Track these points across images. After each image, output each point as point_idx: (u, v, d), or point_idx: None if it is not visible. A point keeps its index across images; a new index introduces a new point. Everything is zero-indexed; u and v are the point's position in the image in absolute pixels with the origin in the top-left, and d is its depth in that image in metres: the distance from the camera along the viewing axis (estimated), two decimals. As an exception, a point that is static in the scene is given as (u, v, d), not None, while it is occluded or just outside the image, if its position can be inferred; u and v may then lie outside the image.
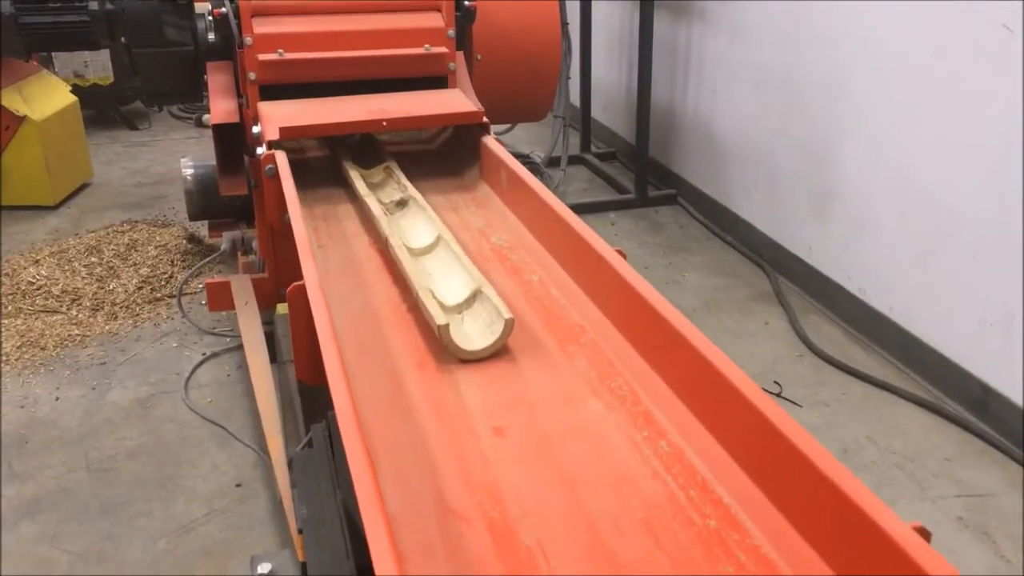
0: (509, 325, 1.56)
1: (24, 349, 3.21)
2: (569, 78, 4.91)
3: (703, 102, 4.36)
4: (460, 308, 1.68)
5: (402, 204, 2.18)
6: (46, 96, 4.54)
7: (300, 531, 1.95)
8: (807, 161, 3.57)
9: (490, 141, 2.34)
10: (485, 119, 2.38)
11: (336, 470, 2.04)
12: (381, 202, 2.15)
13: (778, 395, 2.96)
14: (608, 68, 5.36)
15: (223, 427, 2.78)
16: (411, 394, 1.46)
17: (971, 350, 2.84)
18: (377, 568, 0.89)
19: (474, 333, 1.61)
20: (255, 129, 2.49)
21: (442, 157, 2.61)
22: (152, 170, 5.20)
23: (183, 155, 5.42)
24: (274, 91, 2.62)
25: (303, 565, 1.97)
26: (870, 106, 3.18)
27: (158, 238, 3.94)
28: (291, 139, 2.27)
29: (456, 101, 2.53)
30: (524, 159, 4.96)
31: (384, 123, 2.30)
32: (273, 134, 2.22)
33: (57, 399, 2.94)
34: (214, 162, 3.71)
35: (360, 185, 2.22)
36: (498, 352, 1.57)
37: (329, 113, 2.41)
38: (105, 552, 2.28)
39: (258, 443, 2.69)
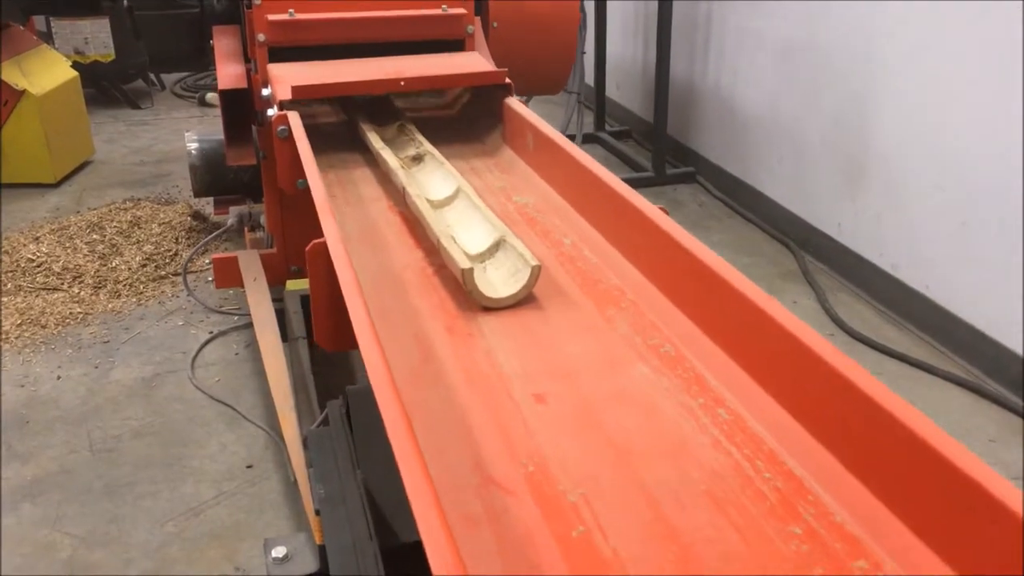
0: (535, 272, 1.47)
1: (24, 327, 3.09)
2: (584, 53, 4.77)
3: (724, 77, 4.22)
4: (483, 257, 1.59)
5: (418, 159, 2.06)
6: (46, 70, 4.41)
7: (318, 512, 1.84)
8: (837, 135, 3.44)
9: (514, 103, 2.21)
10: (508, 80, 2.25)
11: (355, 447, 1.93)
12: (397, 157, 2.03)
13: (809, 374, 2.83)
14: (623, 44, 5.23)
15: (231, 407, 2.66)
16: (442, 360, 1.34)
17: (1012, 327, 2.71)
18: (427, 542, 0.78)
19: (498, 281, 1.51)
20: (265, 92, 2.37)
21: (461, 122, 2.49)
22: (155, 148, 5.07)
23: (185, 131, 5.32)
24: (284, 54, 2.50)
25: (320, 548, 1.86)
26: (905, 76, 3.04)
27: (162, 215, 3.82)
28: (304, 99, 2.14)
29: (476, 63, 2.40)
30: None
31: (402, 83, 2.18)
32: (285, 94, 2.10)
33: (59, 378, 2.82)
34: (220, 136, 3.60)
35: (374, 139, 2.10)
36: (534, 317, 1.45)
37: (343, 74, 2.28)
38: (110, 535, 2.16)
39: (268, 423, 2.58)
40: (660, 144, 4.44)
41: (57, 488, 2.33)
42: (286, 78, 2.23)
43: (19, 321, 3.11)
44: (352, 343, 1.46)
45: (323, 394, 2.43)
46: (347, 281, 1.30)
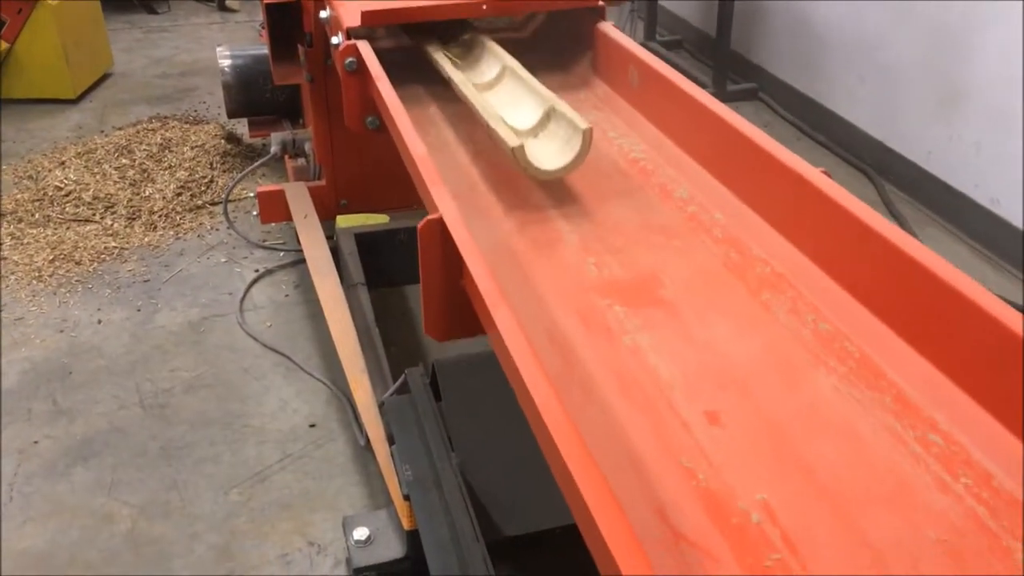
0: (588, 136, 1.44)
1: (58, 264, 2.89)
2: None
3: (796, -17, 3.87)
4: (535, 131, 1.57)
5: (499, 79, 1.83)
6: (60, -24, 4.08)
7: (407, 497, 1.68)
8: (932, 52, 3.13)
9: (609, 29, 1.94)
10: (602, 1, 1.97)
11: (446, 426, 1.75)
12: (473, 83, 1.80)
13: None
14: (677, -56, 4.83)
15: (288, 356, 2.49)
16: (586, 363, 1.13)
17: None
18: None
19: (552, 153, 1.50)
20: (323, 14, 2.09)
21: (537, 47, 2.21)
22: (177, 59, 4.77)
23: (206, 41, 5.00)
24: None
25: (409, 534, 1.70)
26: (1022, -14, 2.72)
27: (193, 137, 3.57)
28: (373, 24, 1.87)
29: (564, -18, 2.11)
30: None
31: (484, 7, 1.90)
32: (353, 20, 1.83)
33: (99, 322, 2.64)
34: (254, 51, 3.32)
35: (446, 64, 1.85)
36: (677, 303, 1.23)
37: (413, -6, 2.00)
38: (171, 504, 2.02)
39: (328, 376, 2.40)
40: (722, 58, 4.11)
41: (109, 449, 2.18)
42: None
43: (51, 257, 2.91)
44: (469, 331, 1.26)
45: (388, 350, 2.25)
46: (479, 271, 1.09)
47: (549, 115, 1.58)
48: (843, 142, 3.65)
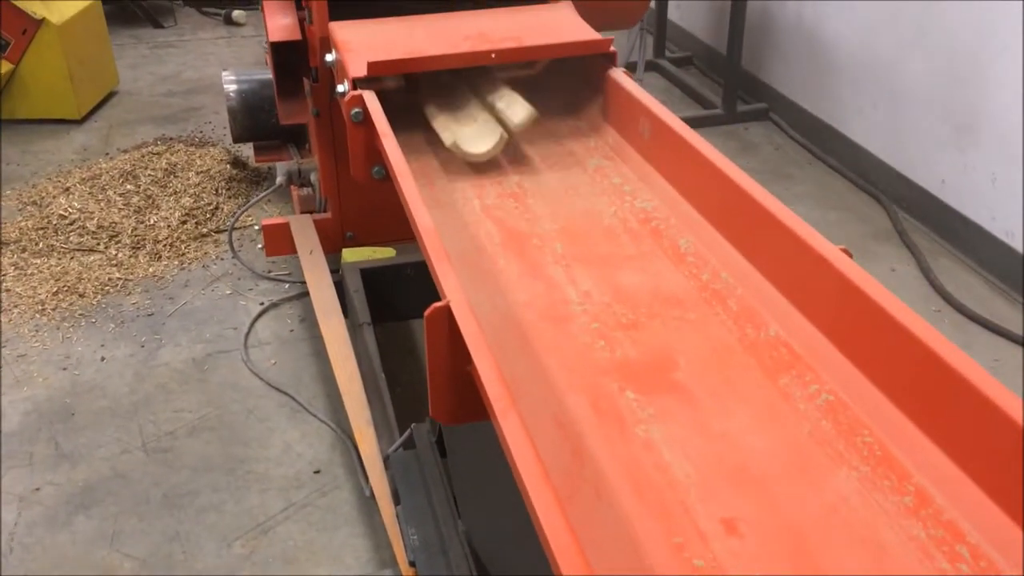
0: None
1: (61, 296, 2.87)
2: (647, -27, 4.34)
3: (808, 4, 3.81)
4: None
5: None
6: (65, -4, 4.05)
7: (412, 563, 1.64)
8: (947, 79, 3.08)
9: (620, 75, 1.90)
10: (612, 48, 1.93)
11: (451, 487, 1.72)
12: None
13: (920, 361, 2.58)
14: (687, -40, 4.78)
15: (292, 397, 2.45)
16: (597, 457, 1.10)
17: None
18: None
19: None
20: (329, 57, 2.06)
21: (546, 87, 2.16)
22: (183, 76, 4.73)
23: (212, 57, 4.96)
24: (342, 3, 2.18)
25: (416, 601, 1.67)
26: (1040, 17, 2.67)
27: (199, 161, 3.54)
28: (380, 75, 1.83)
29: (571, 25, 2.07)
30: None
31: (492, 55, 1.86)
32: (359, 70, 1.79)
33: (103, 359, 2.61)
34: (259, 76, 3.29)
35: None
36: (692, 388, 1.19)
37: (420, 40, 1.97)
38: (173, 557, 1.99)
39: (333, 417, 2.37)
40: (732, 78, 4.06)
41: (112, 497, 2.15)
42: (356, 46, 1.93)
43: (55, 289, 2.89)
44: (476, 416, 1.22)
45: (393, 391, 2.21)
46: (486, 369, 1.05)
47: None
48: (855, 166, 3.60)
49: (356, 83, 1.80)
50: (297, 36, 2.38)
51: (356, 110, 1.76)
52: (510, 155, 1.86)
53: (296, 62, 2.49)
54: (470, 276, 1.46)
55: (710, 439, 1.11)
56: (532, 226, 1.61)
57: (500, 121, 1.84)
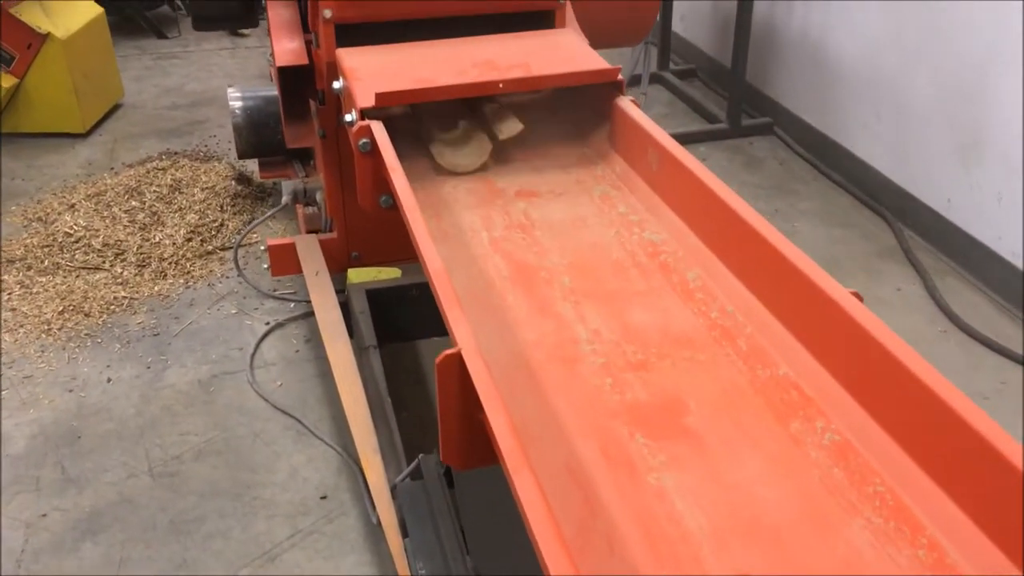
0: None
1: (67, 315, 2.87)
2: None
3: (813, 17, 3.81)
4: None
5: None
6: (70, 9, 4.05)
7: (420, 599, 1.64)
8: (952, 97, 3.07)
9: (627, 105, 1.90)
10: (620, 76, 1.93)
11: (459, 520, 1.72)
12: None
13: (926, 383, 2.58)
14: (691, -28, 4.78)
15: (298, 419, 2.45)
16: (608, 507, 1.09)
17: None
18: None
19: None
20: (336, 84, 2.06)
21: (556, 108, 2.16)
22: (187, 88, 4.74)
23: (217, 68, 4.96)
24: (350, 28, 2.18)
25: (423, 635, 1.66)
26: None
27: (203, 177, 3.54)
28: (387, 105, 1.83)
29: (578, 52, 2.07)
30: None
31: (500, 85, 1.86)
32: (367, 100, 1.79)
33: (109, 380, 2.61)
34: (264, 93, 3.29)
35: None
36: (703, 434, 1.19)
37: (427, 68, 1.97)
38: (180, 585, 1.99)
39: (339, 441, 2.37)
40: (737, 93, 4.06)
41: (118, 523, 2.15)
42: (364, 75, 1.93)
43: (61, 308, 2.89)
44: (487, 461, 1.22)
45: (399, 412, 2.21)
46: (497, 418, 1.05)
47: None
48: (860, 182, 3.59)
49: (364, 113, 1.79)
50: (304, 60, 2.38)
51: (364, 140, 1.76)
52: (517, 184, 1.87)
53: (302, 84, 2.49)
54: (479, 314, 1.46)
55: (722, 488, 1.11)
56: (540, 259, 1.61)
57: (489, 133, 1.91)
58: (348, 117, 1.88)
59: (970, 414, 1.03)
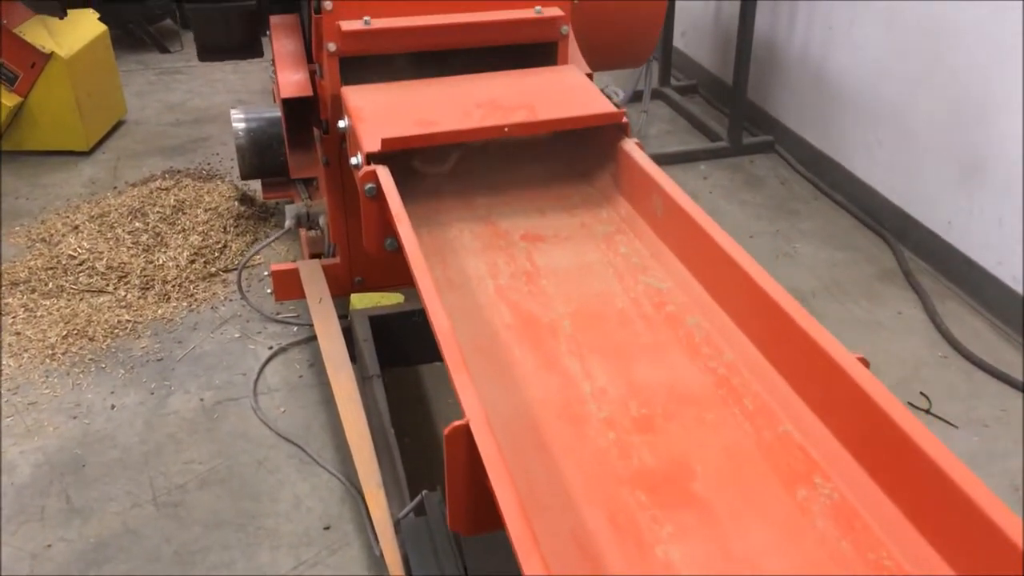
0: None
1: (71, 340, 2.88)
2: None
3: (815, 37, 3.82)
4: None
5: None
6: (73, 27, 4.05)
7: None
8: (953, 121, 3.08)
9: (632, 149, 1.90)
10: (625, 119, 1.94)
11: (463, 560, 1.73)
12: None
13: (927, 411, 2.60)
14: (693, -13, 4.78)
15: (301, 447, 2.47)
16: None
17: None
18: None
19: None
20: (341, 124, 2.07)
21: (558, 146, 2.17)
22: (190, 104, 4.74)
23: (219, 84, 4.97)
24: (354, 61, 2.19)
25: None
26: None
27: (207, 198, 3.55)
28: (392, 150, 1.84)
29: (583, 93, 2.08)
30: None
31: (506, 129, 1.87)
32: (372, 145, 1.80)
33: (113, 407, 2.62)
34: (267, 114, 3.29)
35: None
36: (711, 502, 1.20)
37: (431, 109, 1.98)
38: (186, 620, 2.00)
39: (341, 470, 2.38)
40: (738, 112, 4.07)
41: (123, 554, 2.16)
42: (367, 114, 1.94)
43: (65, 332, 2.90)
44: (495, 526, 1.23)
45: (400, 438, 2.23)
46: (506, 496, 1.06)
47: None
48: (861, 203, 3.60)
49: (369, 158, 1.80)
50: (308, 92, 2.39)
51: (370, 186, 1.77)
52: (522, 227, 1.88)
53: (307, 114, 2.50)
54: (485, 367, 1.47)
55: (730, 561, 1.12)
56: (546, 309, 1.62)
57: None
58: (354, 160, 1.89)
59: (972, 487, 1.04)
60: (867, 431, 1.20)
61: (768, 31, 4.13)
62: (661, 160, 4.17)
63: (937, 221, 3.22)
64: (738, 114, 4.07)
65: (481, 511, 1.20)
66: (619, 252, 1.78)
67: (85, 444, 2.50)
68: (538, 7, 2.23)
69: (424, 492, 1.91)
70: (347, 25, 2.12)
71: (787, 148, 4.09)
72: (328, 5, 2.12)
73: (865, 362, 1.26)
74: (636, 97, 4.44)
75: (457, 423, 1.15)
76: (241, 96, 4.81)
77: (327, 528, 2.24)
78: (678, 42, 4.94)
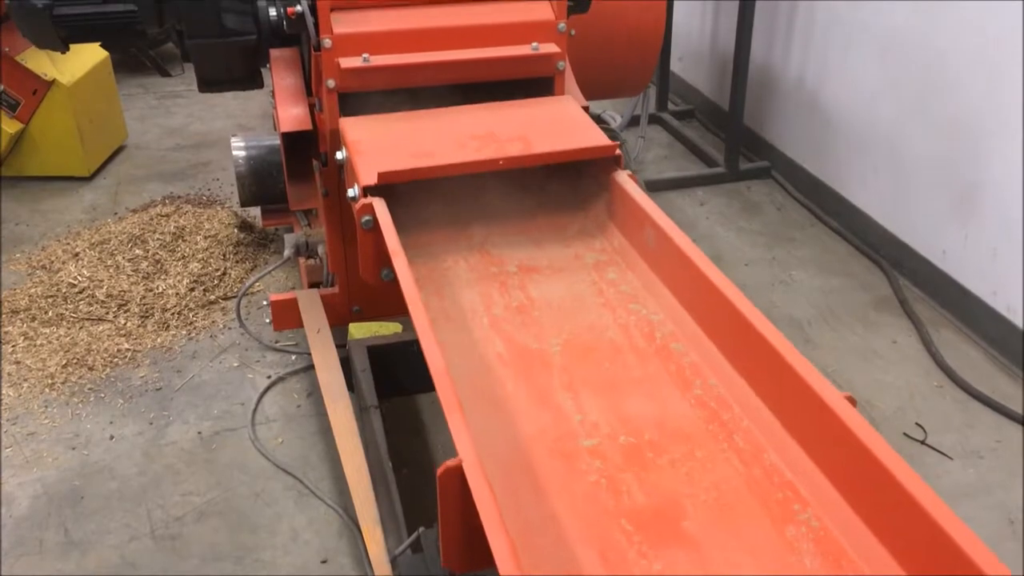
0: None
1: (71, 369, 2.89)
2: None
3: (810, 66, 3.86)
4: None
5: None
6: (74, 54, 4.08)
7: None
8: (948, 148, 3.11)
9: (625, 181, 1.93)
10: (618, 151, 1.96)
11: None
12: None
13: (922, 442, 2.60)
14: (690, 12, 4.82)
15: (299, 479, 2.47)
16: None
17: None
18: None
19: None
20: (339, 156, 2.10)
21: (552, 175, 2.18)
22: (190, 129, 4.78)
23: (219, 108, 5.00)
24: (353, 95, 2.22)
25: None
26: (1039, 98, 2.71)
27: (207, 224, 3.57)
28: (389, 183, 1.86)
29: (577, 125, 2.10)
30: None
31: (500, 162, 1.89)
32: (370, 178, 1.82)
33: (112, 437, 2.63)
34: (267, 142, 3.32)
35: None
36: (702, 540, 1.22)
37: (428, 141, 2.01)
38: (182, 654, 2.00)
39: (339, 502, 2.39)
40: (735, 139, 4.10)
41: (121, 587, 2.16)
42: (366, 149, 1.96)
43: (64, 361, 2.91)
44: (488, 563, 1.24)
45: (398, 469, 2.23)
46: (498, 543, 1.07)
47: None
48: (856, 230, 3.63)
49: (366, 190, 1.83)
50: (308, 126, 2.42)
51: (367, 218, 1.79)
52: (517, 259, 1.90)
53: (306, 146, 2.53)
54: (479, 403, 1.48)
55: (722, 596, 1.13)
56: (540, 343, 1.64)
57: None
58: (351, 192, 1.91)
59: (956, 531, 1.05)
60: (855, 469, 1.22)
61: (764, 58, 4.17)
62: (658, 186, 4.25)
63: (932, 249, 3.24)
64: (734, 140, 4.10)
65: (474, 548, 1.21)
66: (611, 283, 1.80)
67: (84, 475, 2.50)
68: (535, 43, 2.26)
69: (421, 529, 1.92)
70: (346, 62, 2.15)
71: (783, 174, 4.12)
72: (328, 43, 2.15)
73: (852, 401, 1.28)
74: (634, 121, 4.47)
75: (450, 463, 1.16)
76: (241, 121, 4.85)
77: (324, 562, 2.24)
78: (675, 67, 4.98)
